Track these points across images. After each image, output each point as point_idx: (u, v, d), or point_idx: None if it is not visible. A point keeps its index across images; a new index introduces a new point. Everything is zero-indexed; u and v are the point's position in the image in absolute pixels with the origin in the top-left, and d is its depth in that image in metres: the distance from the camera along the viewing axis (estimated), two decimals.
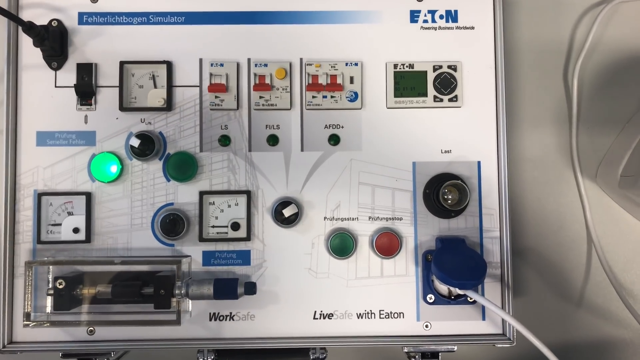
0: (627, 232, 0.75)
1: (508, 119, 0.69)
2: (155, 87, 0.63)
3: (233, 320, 0.62)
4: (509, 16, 0.75)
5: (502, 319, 0.62)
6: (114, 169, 0.61)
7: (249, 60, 0.63)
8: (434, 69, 0.63)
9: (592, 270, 0.74)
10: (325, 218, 0.63)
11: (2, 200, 0.61)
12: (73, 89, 0.62)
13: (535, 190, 0.74)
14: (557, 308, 0.74)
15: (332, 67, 0.63)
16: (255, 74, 0.63)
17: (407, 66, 0.63)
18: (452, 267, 0.58)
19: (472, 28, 0.64)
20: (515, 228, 0.73)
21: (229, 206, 0.62)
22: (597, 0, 0.76)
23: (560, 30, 0.76)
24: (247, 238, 0.62)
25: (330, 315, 0.62)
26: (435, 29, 0.64)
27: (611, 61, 0.76)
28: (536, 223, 0.74)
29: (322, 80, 0.62)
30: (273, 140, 0.63)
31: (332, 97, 0.63)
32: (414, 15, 0.64)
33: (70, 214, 0.62)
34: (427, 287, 0.62)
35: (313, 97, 0.63)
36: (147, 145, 0.61)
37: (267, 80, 0.62)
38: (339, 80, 0.62)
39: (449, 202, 0.61)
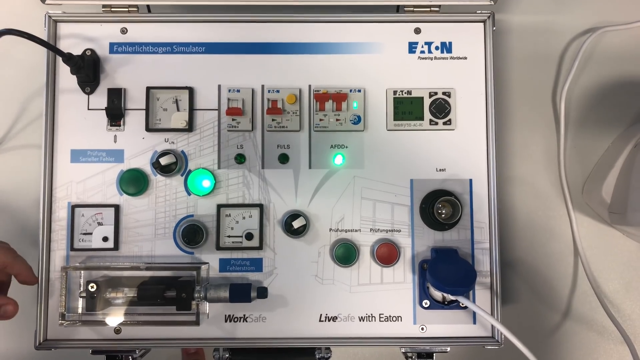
0: (611, 243, 0.78)
1: (499, 139, 0.73)
2: (178, 110, 0.67)
3: (246, 321, 0.66)
4: (500, 43, 0.79)
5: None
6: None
7: (262, 86, 0.67)
8: (430, 95, 0.68)
9: (578, 280, 0.78)
10: (330, 229, 0.67)
11: (40, 211, 0.66)
12: (104, 111, 0.67)
13: (525, 205, 0.78)
14: (545, 316, 0.77)
15: (338, 92, 0.67)
16: (268, 99, 0.67)
17: (405, 92, 0.68)
18: (446, 275, 0.62)
19: (465, 58, 0.68)
20: (506, 240, 0.77)
21: (244, 218, 0.66)
22: (584, 29, 0.80)
23: (549, 56, 0.80)
24: (260, 247, 0.66)
25: (334, 318, 0.66)
26: (431, 59, 0.69)
27: (597, 84, 0.80)
28: (526, 235, 0.78)
29: (329, 106, 0.67)
30: (284, 158, 0.67)
31: (337, 119, 0.67)
32: (412, 47, 0.69)
33: (100, 224, 0.66)
34: (423, 293, 0.66)
35: (320, 119, 0.67)
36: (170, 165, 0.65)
37: (279, 105, 0.67)
38: (343, 104, 0.67)
39: (443, 216, 0.65)
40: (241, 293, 0.63)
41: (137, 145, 0.67)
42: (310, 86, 0.68)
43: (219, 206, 0.66)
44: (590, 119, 0.80)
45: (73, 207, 0.66)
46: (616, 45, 0.80)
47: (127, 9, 0.68)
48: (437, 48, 0.69)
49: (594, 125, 0.80)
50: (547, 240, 0.78)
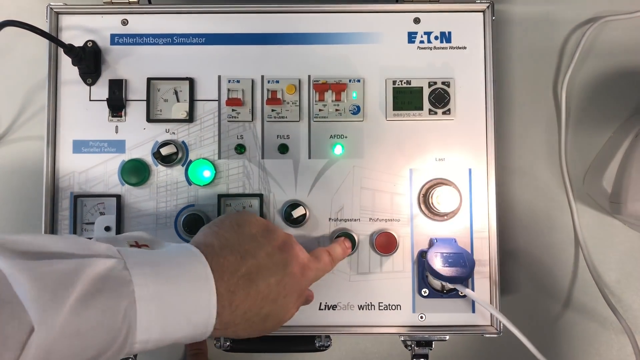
0: (612, 233, 0.78)
1: (499, 129, 0.74)
2: (178, 101, 0.68)
3: None
4: (501, 33, 0.79)
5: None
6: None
7: (262, 77, 0.68)
8: (429, 85, 0.68)
9: (579, 270, 0.78)
10: (330, 219, 0.67)
11: (43, 202, 0.66)
12: (105, 102, 0.67)
13: (526, 195, 0.78)
14: (546, 306, 0.78)
15: (337, 82, 0.67)
16: (268, 90, 0.67)
17: (404, 82, 0.68)
18: (444, 264, 0.63)
19: (464, 48, 0.68)
20: (506, 230, 0.77)
21: (244, 207, 0.67)
22: (585, 19, 0.80)
23: (550, 46, 0.80)
24: None
25: (334, 307, 0.67)
26: (430, 48, 0.69)
27: (598, 74, 0.79)
28: (526, 225, 0.78)
29: (328, 96, 0.67)
30: (283, 148, 0.68)
31: (336, 110, 0.67)
32: (411, 37, 0.69)
33: (102, 214, 0.67)
34: (422, 282, 0.66)
35: (320, 110, 0.67)
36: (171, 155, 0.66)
37: (279, 95, 0.67)
38: (342, 95, 0.67)
39: (442, 205, 0.65)
40: None
41: (138, 136, 0.68)
42: (309, 76, 0.68)
43: (220, 196, 0.67)
44: (592, 109, 0.79)
45: (75, 197, 0.67)
46: (618, 35, 0.80)
47: (127, 1, 0.69)
48: (436, 38, 0.69)
49: (595, 116, 0.79)
50: (547, 230, 0.78)
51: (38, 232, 0.67)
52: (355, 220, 0.67)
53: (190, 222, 0.66)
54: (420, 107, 0.68)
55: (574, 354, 0.78)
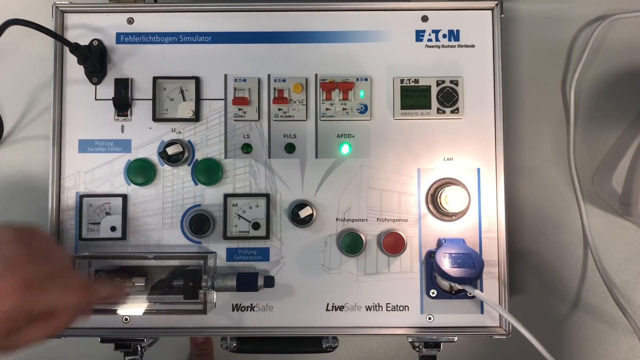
0: (621, 234, 0.77)
1: (508, 128, 0.73)
2: (184, 100, 0.67)
3: (253, 310, 0.66)
4: (509, 32, 0.78)
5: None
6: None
7: (269, 76, 0.67)
8: (437, 84, 0.67)
9: (587, 270, 0.77)
10: (337, 219, 0.67)
11: (49, 202, 0.66)
12: (111, 101, 0.67)
13: (534, 195, 0.77)
14: (554, 307, 0.77)
15: (344, 81, 0.67)
16: (274, 89, 0.67)
17: (412, 81, 0.67)
18: (452, 264, 0.62)
19: (473, 46, 0.68)
20: (515, 230, 0.76)
21: (250, 207, 0.66)
22: (594, 16, 0.79)
23: (558, 44, 0.79)
24: (267, 237, 0.66)
25: (341, 308, 0.66)
26: (438, 47, 0.68)
27: (607, 72, 0.78)
28: (535, 226, 0.77)
29: (336, 95, 0.67)
30: (290, 148, 0.67)
31: (343, 109, 0.67)
32: (419, 35, 0.68)
33: (108, 214, 0.67)
34: (430, 282, 0.66)
35: (327, 109, 0.67)
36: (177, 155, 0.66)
37: (286, 94, 0.67)
38: (349, 93, 0.66)
39: (451, 205, 0.65)
40: (248, 282, 0.63)
41: (144, 135, 0.67)
42: (316, 75, 0.68)
43: (226, 196, 0.66)
44: (601, 108, 0.79)
45: (81, 197, 0.67)
46: (627, 33, 0.79)
47: None
48: (444, 36, 0.68)
49: (605, 115, 0.79)
50: (556, 230, 0.78)
51: None
52: (362, 220, 0.67)
53: (197, 222, 0.65)
54: (428, 106, 0.67)
55: (582, 354, 0.77)
